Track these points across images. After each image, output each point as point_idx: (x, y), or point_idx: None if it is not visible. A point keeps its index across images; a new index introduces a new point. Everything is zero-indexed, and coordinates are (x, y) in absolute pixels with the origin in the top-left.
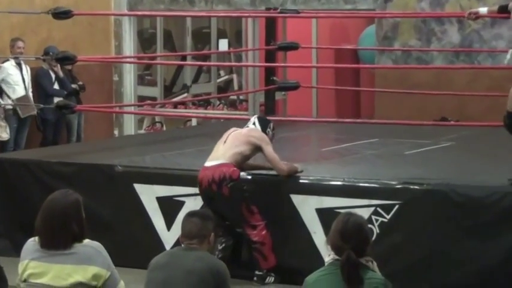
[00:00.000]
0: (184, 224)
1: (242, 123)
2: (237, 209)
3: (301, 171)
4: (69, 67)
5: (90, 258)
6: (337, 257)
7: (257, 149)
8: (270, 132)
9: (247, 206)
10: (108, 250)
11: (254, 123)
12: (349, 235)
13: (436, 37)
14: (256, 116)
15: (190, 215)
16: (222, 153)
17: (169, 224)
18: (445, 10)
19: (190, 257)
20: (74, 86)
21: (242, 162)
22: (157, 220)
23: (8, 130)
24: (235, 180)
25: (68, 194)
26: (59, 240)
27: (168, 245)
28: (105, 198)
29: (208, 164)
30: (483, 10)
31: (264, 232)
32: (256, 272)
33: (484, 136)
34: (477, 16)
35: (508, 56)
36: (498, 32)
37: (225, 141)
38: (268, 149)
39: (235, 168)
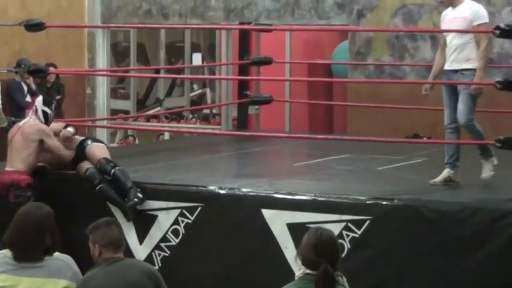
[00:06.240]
0: (108, 232)
1: (214, 137)
2: None
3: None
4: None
5: (60, 271)
6: (308, 271)
7: (41, 141)
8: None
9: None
10: (81, 264)
11: (36, 111)
12: (323, 249)
13: (409, 53)
14: (39, 102)
15: (110, 222)
16: (13, 159)
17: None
18: (418, 26)
19: (131, 269)
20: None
21: (35, 162)
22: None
23: None
24: (22, 188)
25: (40, 206)
26: (32, 252)
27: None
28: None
29: (8, 168)
30: None
31: None
32: None
33: None
34: None
35: None
36: None
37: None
38: (49, 141)
39: (25, 176)
